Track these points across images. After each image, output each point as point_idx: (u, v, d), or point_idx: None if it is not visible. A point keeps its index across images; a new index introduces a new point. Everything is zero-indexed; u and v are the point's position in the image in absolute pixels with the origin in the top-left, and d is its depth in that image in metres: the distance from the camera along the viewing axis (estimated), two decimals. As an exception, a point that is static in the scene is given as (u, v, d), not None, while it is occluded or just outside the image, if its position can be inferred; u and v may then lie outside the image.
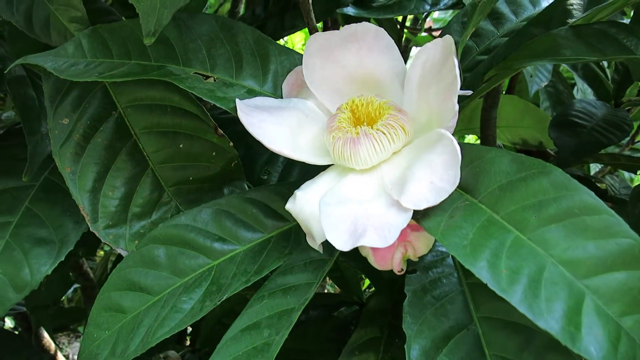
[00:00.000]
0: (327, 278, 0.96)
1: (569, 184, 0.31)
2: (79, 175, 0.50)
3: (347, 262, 0.58)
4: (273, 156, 0.60)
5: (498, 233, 0.31)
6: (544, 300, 0.28)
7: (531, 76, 0.83)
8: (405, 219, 0.32)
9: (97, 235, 0.50)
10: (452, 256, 0.40)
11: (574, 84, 1.03)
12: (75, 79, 0.46)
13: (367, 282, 0.83)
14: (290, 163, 0.59)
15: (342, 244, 0.32)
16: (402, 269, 0.37)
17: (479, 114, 0.69)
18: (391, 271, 0.56)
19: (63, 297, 1.75)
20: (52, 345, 1.03)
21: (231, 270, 0.44)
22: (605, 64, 0.90)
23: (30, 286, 0.54)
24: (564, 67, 1.03)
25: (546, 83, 0.84)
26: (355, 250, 0.59)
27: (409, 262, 0.39)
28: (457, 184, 0.32)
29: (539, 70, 0.85)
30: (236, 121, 0.42)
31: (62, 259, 0.55)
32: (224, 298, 0.42)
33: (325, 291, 1.48)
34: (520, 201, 0.31)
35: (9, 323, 1.54)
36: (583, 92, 0.98)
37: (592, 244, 0.28)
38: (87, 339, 0.46)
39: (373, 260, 0.38)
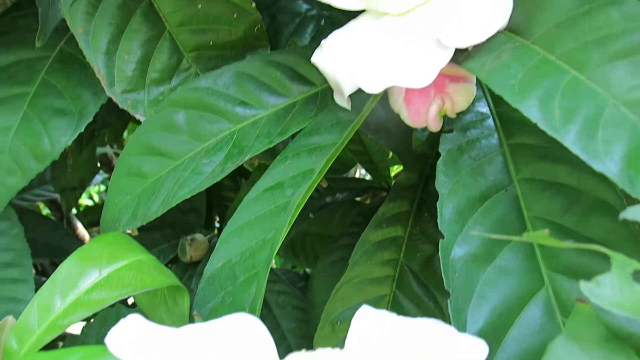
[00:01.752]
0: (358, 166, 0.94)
1: (643, 15, 0.26)
2: (92, 35, 0.47)
3: (377, 138, 0.55)
4: (300, 26, 0.56)
5: (552, 72, 0.27)
6: (601, 141, 0.25)
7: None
8: (445, 57, 0.29)
9: (114, 100, 0.48)
10: (493, 117, 0.37)
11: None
12: None
13: (393, 171, 0.81)
14: (319, 31, 0.55)
15: (374, 85, 0.29)
16: (439, 126, 0.34)
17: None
18: (422, 146, 0.53)
19: (95, 192, 1.79)
20: (87, 236, 1.06)
21: (253, 134, 0.42)
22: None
23: (51, 156, 0.53)
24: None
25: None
26: (386, 124, 0.56)
27: (445, 122, 0.36)
28: (508, 15, 0.28)
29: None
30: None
31: (82, 130, 0.54)
32: (246, 159, 0.40)
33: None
34: (580, 37, 0.28)
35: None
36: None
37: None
38: (108, 204, 0.46)
39: (406, 116, 0.34)
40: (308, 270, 0.94)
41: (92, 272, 0.32)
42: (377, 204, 0.72)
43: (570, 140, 0.25)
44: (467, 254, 0.33)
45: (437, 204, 0.34)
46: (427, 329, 0.26)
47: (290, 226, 0.34)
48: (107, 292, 0.31)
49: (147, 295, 0.34)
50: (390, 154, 0.79)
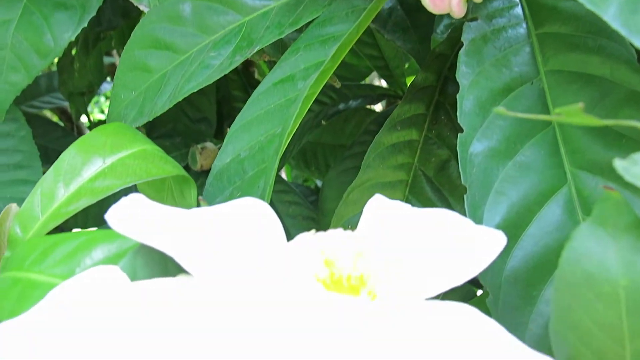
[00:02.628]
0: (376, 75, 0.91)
1: None
2: None
3: (393, 39, 0.53)
4: None
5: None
6: (644, 15, 0.22)
7: None
8: None
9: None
10: (521, 4, 0.34)
11: None
12: None
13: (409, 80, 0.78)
14: None
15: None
16: (463, 12, 0.32)
17: None
18: (441, 45, 0.50)
19: (107, 106, 1.78)
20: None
21: (263, 25, 0.39)
22: None
23: (54, 53, 0.51)
24: None
25: None
26: (404, 24, 0.53)
27: (470, 9, 0.33)
28: None
29: None
30: None
31: (85, 26, 0.51)
32: (255, 51, 0.38)
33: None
34: None
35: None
36: None
37: None
38: (114, 101, 0.44)
39: (429, 1, 0.32)
40: (320, 184, 0.94)
41: (95, 160, 0.31)
42: (392, 111, 0.70)
43: (610, 14, 0.23)
44: (486, 149, 0.31)
45: (457, 96, 0.32)
46: (443, 219, 0.25)
47: (301, 119, 0.32)
48: (111, 180, 0.30)
49: (153, 187, 0.33)
50: (407, 64, 0.76)
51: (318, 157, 0.76)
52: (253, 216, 0.23)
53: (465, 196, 0.30)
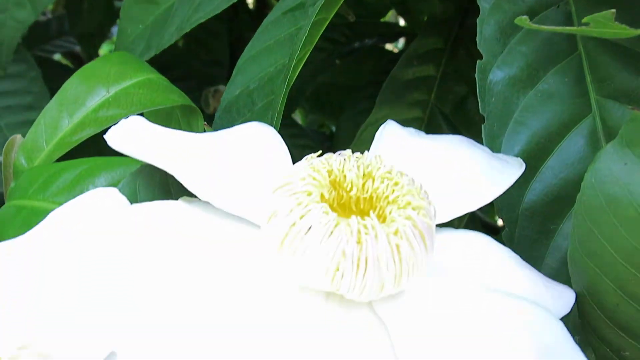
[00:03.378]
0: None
1: None
2: None
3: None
4: None
5: None
6: None
7: None
8: None
9: None
10: None
11: None
12: None
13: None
14: None
15: None
16: None
17: None
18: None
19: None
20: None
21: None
22: None
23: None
24: None
25: None
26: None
27: None
28: None
29: None
30: None
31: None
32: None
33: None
34: None
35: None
36: None
37: None
38: (121, 35, 0.43)
39: None
40: (334, 129, 0.92)
41: (99, 90, 0.30)
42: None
43: None
44: (507, 77, 0.29)
45: (477, 20, 0.30)
46: (459, 145, 0.24)
47: (312, 46, 0.31)
48: (115, 110, 0.29)
49: (159, 118, 0.32)
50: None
51: (332, 98, 0.74)
52: (259, 139, 0.22)
53: (482, 126, 0.29)
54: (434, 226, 0.18)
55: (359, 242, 0.16)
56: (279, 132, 0.24)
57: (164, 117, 0.32)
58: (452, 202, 0.21)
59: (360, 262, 0.16)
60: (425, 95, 0.45)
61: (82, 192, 0.24)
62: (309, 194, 0.18)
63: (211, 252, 0.18)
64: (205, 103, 0.74)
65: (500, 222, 0.73)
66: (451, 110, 0.45)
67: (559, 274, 0.28)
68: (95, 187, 0.24)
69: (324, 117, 0.79)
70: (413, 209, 0.18)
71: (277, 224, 0.17)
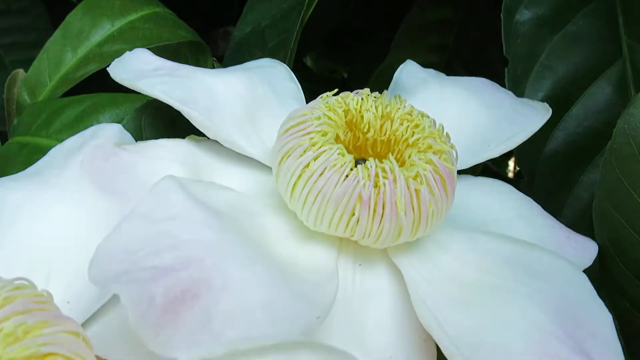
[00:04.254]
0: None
1: None
2: None
3: None
4: None
5: None
6: None
7: None
8: None
9: None
10: None
11: None
12: None
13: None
14: None
15: None
16: None
17: None
18: None
19: None
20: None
21: None
22: None
23: None
24: None
25: None
26: None
27: None
28: None
29: None
30: None
31: None
32: None
33: None
34: None
35: None
36: None
37: None
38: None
39: None
40: (346, 76, 0.90)
41: (103, 24, 0.28)
42: None
43: None
44: (534, 17, 0.28)
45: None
46: (482, 87, 0.23)
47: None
48: (120, 45, 0.28)
49: (166, 54, 0.31)
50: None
51: (345, 43, 0.72)
52: (272, 77, 0.21)
53: (506, 69, 0.27)
54: (456, 172, 0.17)
55: (376, 185, 0.16)
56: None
57: (171, 54, 0.31)
58: (474, 148, 0.20)
59: (377, 207, 0.16)
60: (444, 39, 0.43)
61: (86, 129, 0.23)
62: (324, 134, 0.16)
63: (222, 200, 0.17)
64: (214, 44, 0.72)
65: (510, 175, 0.72)
66: (471, 56, 0.43)
67: (577, 227, 0.27)
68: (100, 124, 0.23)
69: (335, 63, 0.77)
70: (434, 152, 0.17)
71: (289, 165, 0.16)
